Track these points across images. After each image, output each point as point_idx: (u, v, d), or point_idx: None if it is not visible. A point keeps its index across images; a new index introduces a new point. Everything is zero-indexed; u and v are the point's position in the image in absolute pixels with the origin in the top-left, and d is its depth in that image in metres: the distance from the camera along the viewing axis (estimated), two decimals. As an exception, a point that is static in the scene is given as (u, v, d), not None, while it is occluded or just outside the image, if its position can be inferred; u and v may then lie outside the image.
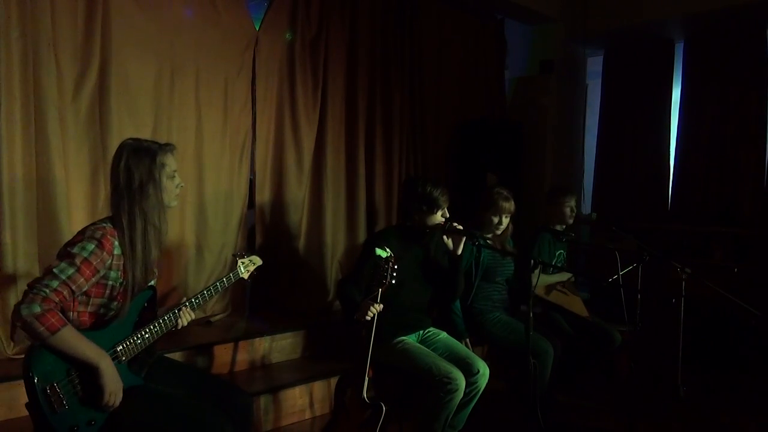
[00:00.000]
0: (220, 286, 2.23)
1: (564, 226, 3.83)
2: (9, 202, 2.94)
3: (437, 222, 2.85)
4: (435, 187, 2.84)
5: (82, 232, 1.94)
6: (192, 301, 2.14)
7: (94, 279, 1.89)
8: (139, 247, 1.97)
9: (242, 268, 2.34)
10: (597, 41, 5.93)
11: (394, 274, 2.51)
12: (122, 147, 2.03)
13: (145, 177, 1.98)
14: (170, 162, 2.06)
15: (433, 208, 2.83)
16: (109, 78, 3.27)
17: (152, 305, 2.11)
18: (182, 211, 3.64)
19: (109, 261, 1.92)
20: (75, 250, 1.87)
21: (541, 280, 3.58)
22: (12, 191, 2.95)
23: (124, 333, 1.98)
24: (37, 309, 1.75)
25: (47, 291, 1.79)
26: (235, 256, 2.36)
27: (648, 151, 5.78)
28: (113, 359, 1.93)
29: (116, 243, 1.94)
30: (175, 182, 2.08)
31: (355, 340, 2.59)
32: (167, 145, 2.09)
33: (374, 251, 2.55)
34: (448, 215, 2.89)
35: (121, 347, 1.95)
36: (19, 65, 2.93)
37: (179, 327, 2.12)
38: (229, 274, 2.29)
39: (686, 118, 5.57)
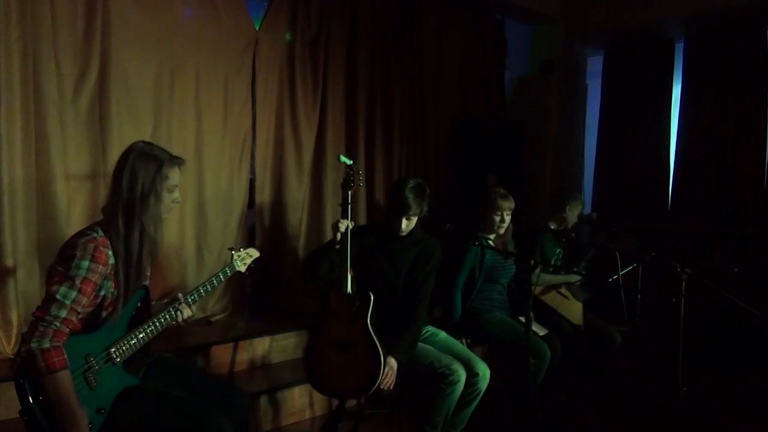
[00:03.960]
0: (216, 281, 2.20)
1: (563, 227, 3.84)
2: (9, 202, 2.94)
3: (400, 225, 2.76)
4: (411, 191, 2.74)
5: (73, 246, 1.87)
6: (188, 298, 2.13)
7: (94, 293, 1.88)
8: (134, 257, 1.93)
9: (238, 262, 2.31)
10: (597, 41, 5.93)
11: (360, 180, 2.71)
12: (131, 149, 1.98)
13: (148, 186, 1.93)
14: (174, 176, 2.01)
15: (399, 212, 2.74)
16: (109, 78, 3.28)
17: (145, 304, 2.10)
18: (182, 211, 3.64)
19: (106, 272, 1.89)
20: (72, 271, 1.82)
21: (541, 279, 3.57)
22: (12, 191, 2.95)
23: (117, 334, 1.97)
24: (47, 344, 1.75)
25: (58, 324, 1.78)
26: (231, 250, 2.33)
27: (648, 151, 5.78)
28: (107, 361, 1.92)
29: (110, 252, 1.89)
30: (173, 196, 2.03)
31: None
32: (177, 158, 2.03)
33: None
34: (409, 225, 2.78)
35: (114, 349, 1.94)
36: (19, 65, 2.93)
37: (178, 321, 2.11)
38: (224, 268, 2.26)
39: (686, 118, 5.56)
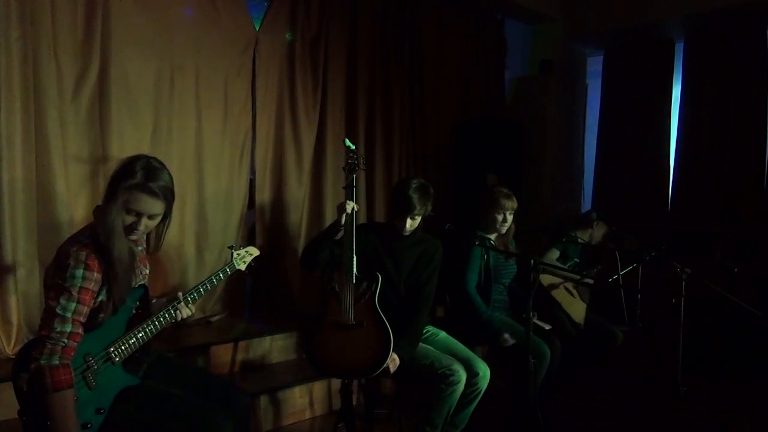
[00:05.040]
0: (216, 279, 2.19)
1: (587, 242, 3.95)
2: (9, 202, 2.94)
3: (405, 225, 2.77)
4: (416, 191, 2.75)
5: (66, 255, 1.84)
6: (188, 297, 2.12)
7: (93, 300, 1.87)
8: (110, 262, 1.89)
9: (238, 260, 2.31)
10: (597, 41, 5.93)
11: (364, 164, 2.74)
12: (133, 156, 1.95)
13: (111, 193, 1.88)
14: (136, 201, 1.88)
15: (404, 211, 2.75)
16: (109, 78, 3.27)
17: (145, 303, 2.09)
18: (182, 211, 3.64)
19: (101, 278, 1.88)
20: (68, 282, 1.80)
21: (551, 264, 3.61)
22: (12, 191, 2.95)
23: (116, 334, 1.97)
24: (56, 361, 1.75)
25: (65, 340, 1.77)
26: (231, 248, 2.33)
27: (648, 151, 5.78)
28: (106, 361, 1.92)
29: (99, 257, 1.88)
30: (126, 219, 1.90)
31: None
32: (154, 191, 1.90)
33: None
34: (413, 225, 2.79)
35: (113, 348, 1.94)
36: (19, 65, 2.93)
37: (178, 320, 2.11)
38: (224, 267, 2.26)
39: (686, 118, 5.56)
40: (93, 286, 1.85)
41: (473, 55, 5.43)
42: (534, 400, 3.02)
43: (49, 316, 1.80)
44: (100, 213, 1.92)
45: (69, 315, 1.79)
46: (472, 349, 2.90)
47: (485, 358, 2.84)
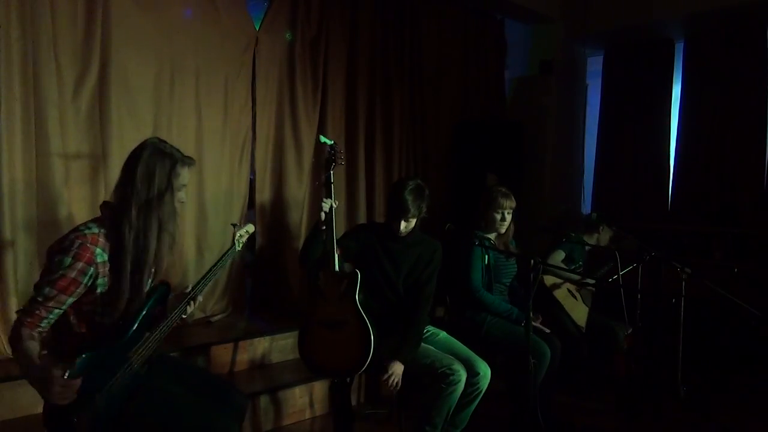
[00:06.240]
0: (221, 264, 2.22)
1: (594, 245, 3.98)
2: (9, 202, 2.94)
3: (399, 227, 2.78)
4: (411, 193, 2.75)
5: (62, 240, 1.87)
6: (197, 289, 2.12)
7: (79, 290, 1.83)
8: (151, 252, 1.91)
9: (240, 242, 2.37)
10: (597, 41, 5.93)
11: (342, 159, 2.74)
12: (145, 145, 1.96)
13: (165, 183, 1.93)
14: (185, 175, 2.01)
15: (398, 214, 2.76)
16: (109, 78, 3.28)
17: (164, 303, 2.08)
18: (182, 211, 3.63)
19: (92, 270, 1.84)
20: (54, 266, 1.81)
21: (555, 265, 3.62)
22: (12, 191, 2.95)
23: (135, 338, 1.95)
24: (13, 333, 1.79)
25: (28, 318, 1.79)
26: (234, 226, 2.38)
27: (648, 151, 5.78)
28: (128, 369, 1.90)
29: (98, 250, 1.85)
30: (178, 195, 2.01)
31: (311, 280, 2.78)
32: (188, 158, 2.03)
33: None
34: (407, 227, 2.80)
35: (134, 356, 1.92)
36: (19, 65, 2.94)
37: (187, 314, 2.13)
38: (227, 251, 2.29)
39: (686, 118, 5.56)
40: (76, 275, 1.81)
41: (473, 55, 5.43)
42: (534, 400, 3.01)
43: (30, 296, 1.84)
44: (162, 204, 1.92)
45: (40, 299, 1.80)
46: (472, 348, 2.90)
47: (485, 358, 2.84)
